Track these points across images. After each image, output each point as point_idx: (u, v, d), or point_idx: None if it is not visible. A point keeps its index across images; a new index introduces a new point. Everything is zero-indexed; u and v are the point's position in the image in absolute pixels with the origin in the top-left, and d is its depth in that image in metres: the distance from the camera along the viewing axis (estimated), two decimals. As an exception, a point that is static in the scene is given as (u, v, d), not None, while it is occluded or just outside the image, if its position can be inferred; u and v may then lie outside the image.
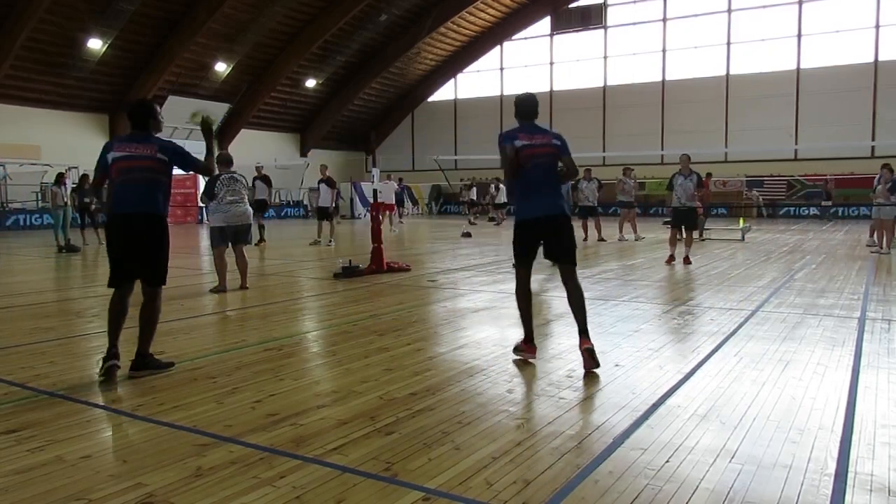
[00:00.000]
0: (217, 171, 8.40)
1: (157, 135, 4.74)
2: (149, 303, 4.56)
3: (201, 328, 6.39)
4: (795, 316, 6.50)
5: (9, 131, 24.98)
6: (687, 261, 10.98)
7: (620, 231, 17.01)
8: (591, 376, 4.39)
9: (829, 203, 28.26)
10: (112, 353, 4.38)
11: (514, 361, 4.82)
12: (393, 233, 19.99)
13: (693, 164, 11.16)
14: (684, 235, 11.28)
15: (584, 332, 4.66)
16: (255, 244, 14.55)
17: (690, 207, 11.06)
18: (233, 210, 8.25)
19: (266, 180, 16.03)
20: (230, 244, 8.39)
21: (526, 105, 4.90)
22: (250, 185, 16.27)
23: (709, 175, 20.62)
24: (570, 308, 4.81)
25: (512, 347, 5.04)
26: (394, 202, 20.93)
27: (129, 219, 4.45)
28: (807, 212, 29.40)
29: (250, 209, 8.57)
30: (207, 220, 9.15)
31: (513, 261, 5.09)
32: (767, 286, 8.49)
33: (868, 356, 4.89)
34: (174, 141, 4.95)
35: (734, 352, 5.04)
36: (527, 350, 4.89)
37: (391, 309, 7.07)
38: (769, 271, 10.11)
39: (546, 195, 4.75)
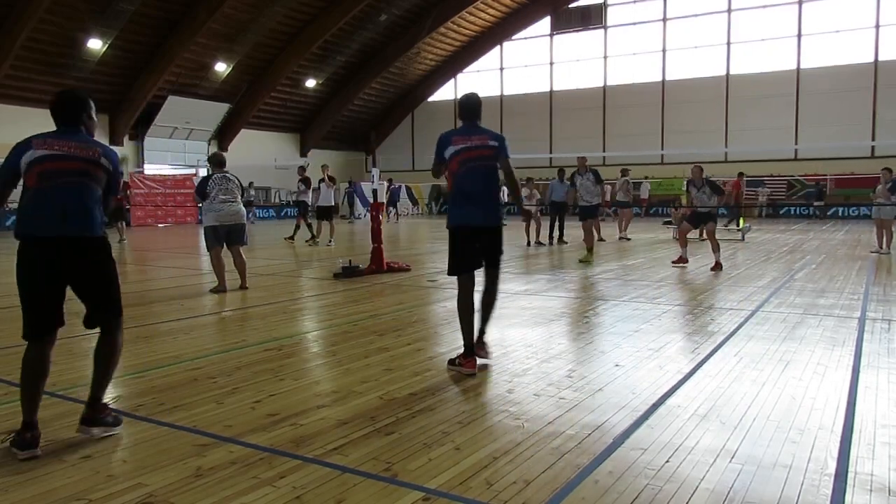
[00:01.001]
0: (211, 172, 8.49)
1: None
2: (107, 337, 3.51)
3: (201, 328, 6.39)
4: (795, 316, 6.50)
5: (9, 131, 24.89)
6: (718, 267, 10.05)
7: (620, 230, 17.04)
8: (591, 376, 4.39)
9: (822, 203, 28.67)
10: (29, 425, 3.19)
11: (515, 361, 4.81)
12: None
13: (694, 164, 11.12)
14: (705, 237, 10.88)
15: (484, 333, 4.75)
16: (307, 241, 15.63)
17: (708, 211, 10.71)
18: (225, 209, 8.25)
19: (332, 182, 17.09)
20: (226, 245, 8.38)
21: (466, 105, 4.79)
22: (315, 187, 17.27)
23: (741, 174, 20.63)
24: (480, 305, 4.71)
25: (448, 360, 4.62)
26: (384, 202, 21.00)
27: (61, 244, 3.29)
28: (806, 211, 29.47)
29: (243, 209, 8.54)
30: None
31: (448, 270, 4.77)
32: (767, 286, 8.49)
33: (868, 356, 4.89)
34: None
35: (734, 352, 5.04)
36: (465, 364, 4.44)
37: (391, 309, 7.07)
38: (769, 271, 10.11)
39: (481, 204, 4.63)
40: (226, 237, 8.37)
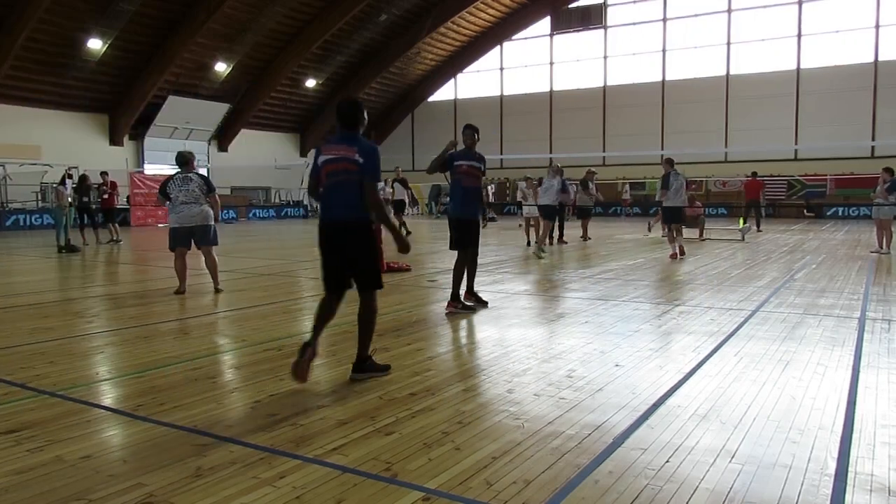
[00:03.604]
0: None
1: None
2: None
3: (201, 328, 6.39)
4: (795, 316, 6.50)
5: (9, 131, 24.98)
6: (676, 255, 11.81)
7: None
8: (591, 376, 4.39)
9: (813, 214, 29.07)
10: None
11: (515, 361, 4.81)
12: None
13: (693, 165, 11.26)
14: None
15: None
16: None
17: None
18: (185, 211, 8.05)
19: (404, 182, 17.54)
20: (196, 246, 8.22)
21: (339, 111, 4.44)
22: (389, 187, 17.26)
23: (755, 174, 20.64)
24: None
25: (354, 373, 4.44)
26: None
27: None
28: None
29: (208, 209, 8.23)
30: None
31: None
32: (767, 286, 8.49)
33: (868, 356, 4.89)
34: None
35: (734, 352, 5.04)
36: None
37: (391, 309, 7.06)
38: (769, 271, 10.11)
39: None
40: (186, 239, 8.18)
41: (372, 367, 4.41)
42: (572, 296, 8.02)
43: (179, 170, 8.32)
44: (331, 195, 4.31)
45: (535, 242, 13.66)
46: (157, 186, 30.02)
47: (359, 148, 4.28)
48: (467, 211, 7.00)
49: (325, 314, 4.39)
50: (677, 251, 11.94)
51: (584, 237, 16.71)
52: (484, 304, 7.15)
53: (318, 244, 4.40)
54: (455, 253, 7.11)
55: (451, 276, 7.06)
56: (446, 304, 6.92)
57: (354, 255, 4.31)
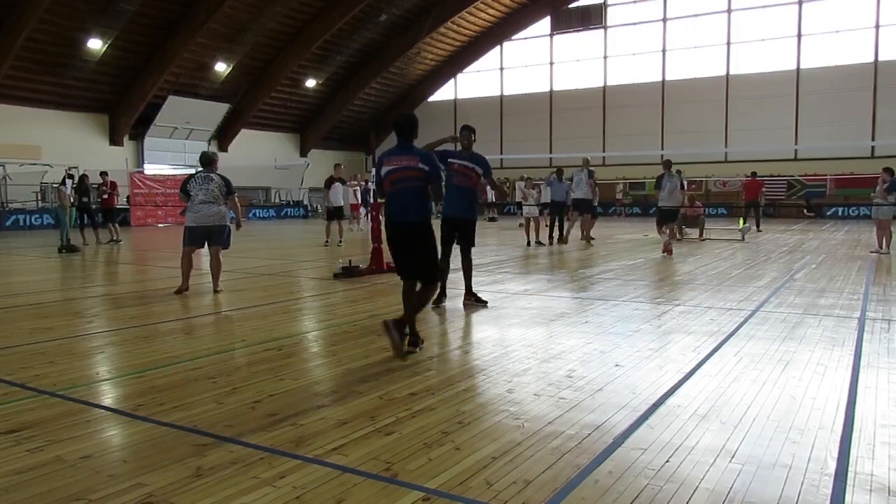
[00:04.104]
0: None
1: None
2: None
3: (201, 328, 6.39)
4: (795, 316, 6.50)
5: (9, 131, 24.98)
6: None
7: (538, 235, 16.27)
8: (591, 376, 4.39)
9: (812, 214, 29.23)
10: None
11: (515, 361, 4.81)
12: (359, 231, 20.08)
13: (693, 165, 11.35)
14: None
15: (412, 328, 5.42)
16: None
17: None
18: (203, 211, 8.04)
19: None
20: (206, 245, 8.21)
21: (397, 125, 5.20)
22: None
23: (754, 174, 20.64)
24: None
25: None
26: (359, 202, 21.01)
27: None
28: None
29: (225, 210, 8.23)
30: None
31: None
32: (767, 286, 8.49)
33: (868, 356, 4.89)
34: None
35: (734, 352, 5.04)
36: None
37: (391, 309, 7.05)
38: (769, 271, 10.11)
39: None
40: (204, 238, 8.17)
41: (416, 341, 5.12)
42: (572, 296, 8.02)
43: (201, 169, 8.34)
44: (397, 200, 5.07)
45: (583, 239, 14.47)
46: (157, 186, 29.69)
47: (419, 157, 5.08)
48: (456, 209, 7.06)
49: (410, 298, 5.16)
50: (670, 246, 12.50)
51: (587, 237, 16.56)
52: (483, 303, 7.19)
53: (388, 240, 5.22)
54: (452, 252, 7.21)
55: (462, 272, 7.31)
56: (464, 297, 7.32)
57: (418, 248, 5.09)
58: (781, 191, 30.33)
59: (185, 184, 8.25)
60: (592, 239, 15.53)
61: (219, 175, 8.26)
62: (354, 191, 20.13)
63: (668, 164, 13.15)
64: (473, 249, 7.36)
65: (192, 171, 8.60)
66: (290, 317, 6.87)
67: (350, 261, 9.94)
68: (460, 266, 7.35)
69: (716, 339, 5.49)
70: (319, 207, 33.15)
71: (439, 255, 5.46)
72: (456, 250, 7.28)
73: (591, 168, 15.66)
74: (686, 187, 15.76)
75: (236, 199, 8.45)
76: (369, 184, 11.45)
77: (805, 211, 28.84)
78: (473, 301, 7.18)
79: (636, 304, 7.29)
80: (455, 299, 7.73)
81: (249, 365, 4.76)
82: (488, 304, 7.16)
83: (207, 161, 8.41)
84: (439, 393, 4.05)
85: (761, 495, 2.68)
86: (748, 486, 2.75)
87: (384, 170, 5.15)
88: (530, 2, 35.66)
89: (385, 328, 4.86)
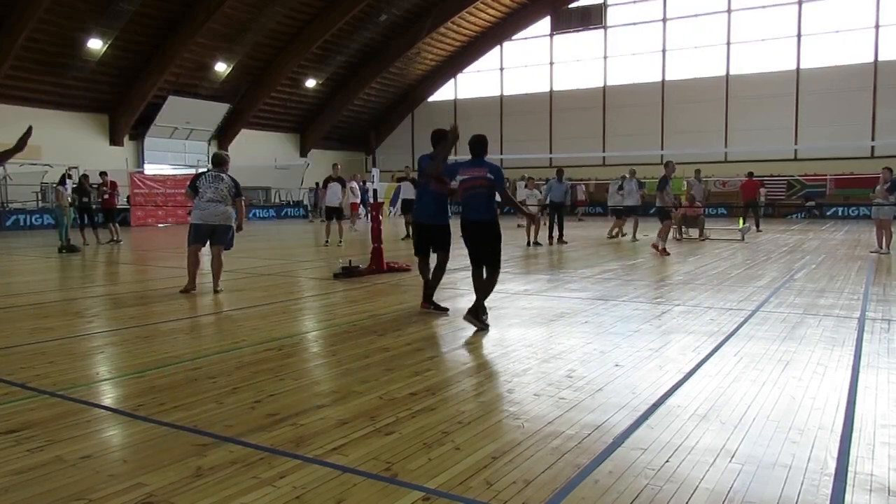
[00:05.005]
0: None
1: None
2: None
3: (201, 328, 6.39)
4: (795, 316, 6.50)
5: (9, 131, 24.89)
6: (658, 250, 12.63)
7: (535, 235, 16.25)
8: (591, 376, 4.39)
9: (812, 202, 29.34)
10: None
11: (515, 361, 4.81)
12: (354, 231, 20.07)
13: (693, 164, 11.32)
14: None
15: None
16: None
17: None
18: (210, 209, 8.06)
19: (414, 182, 17.66)
20: (209, 244, 8.22)
21: (472, 145, 6.30)
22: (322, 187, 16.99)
23: (751, 174, 20.64)
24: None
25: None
26: (358, 201, 21.00)
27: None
28: (799, 215, 29.62)
29: (232, 211, 8.24)
30: None
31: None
32: (767, 286, 8.49)
33: (868, 356, 4.89)
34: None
35: (734, 352, 5.04)
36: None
37: (391, 309, 7.07)
38: (769, 271, 10.11)
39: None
40: (208, 237, 8.19)
41: (483, 323, 6.01)
42: (572, 296, 8.02)
43: (212, 168, 8.36)
44: (470, 203, 6.20)
45: (653, 245, 13.14)
46: (157, 186, 29.65)
47: (488, 169, 6.16)
48: (424, 216, 6.92)
49: (478, 281, 6.22)
50: (661, 246, 12.67)
51: (634, 237, 16.88)
52: (444, 311, 6.85)
53: (462, 235, 6.27)
54: (447, 256, 7.00)
55: (472, 284, 6.55)
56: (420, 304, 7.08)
57: (486, 242, 6.16)
58: (781, 191, 30.33)
59: (194, 180, 8.28)
60: (637, 239, 16.43)
61: (229, 176, 8.34)
62: (352, 189, 20.15)
63: (668, 166, 13.54)
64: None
65: (192, 171, 8.65)
66: (290, 317, 6.87)
67: (350, 261, 9.94)
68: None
69: (716, 339, 5.49)
70: (309, 205, 33.21)
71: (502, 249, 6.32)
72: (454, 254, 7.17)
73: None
74: (703, 184, 16.55)
75: (243, 202, 8.50)
76: (369, 184, 11.41)
77: (805, 202, 28.94)
78: (432, 308, 6.89)
79: (636, 304, 7.29)
80: (455, 299, 7.73)
81: (249, 365, 4.76)
82: (448, 312, 6.80)
83: (220, 161, 8.47)
84: (439, 393, 4.06)
85: (761, 495, 2.68)
86: (748, 486, 2.76)
87: (459, 178, 6.24)
88: (530, 2, 35.65)
89: (469, 320, 6.00)
